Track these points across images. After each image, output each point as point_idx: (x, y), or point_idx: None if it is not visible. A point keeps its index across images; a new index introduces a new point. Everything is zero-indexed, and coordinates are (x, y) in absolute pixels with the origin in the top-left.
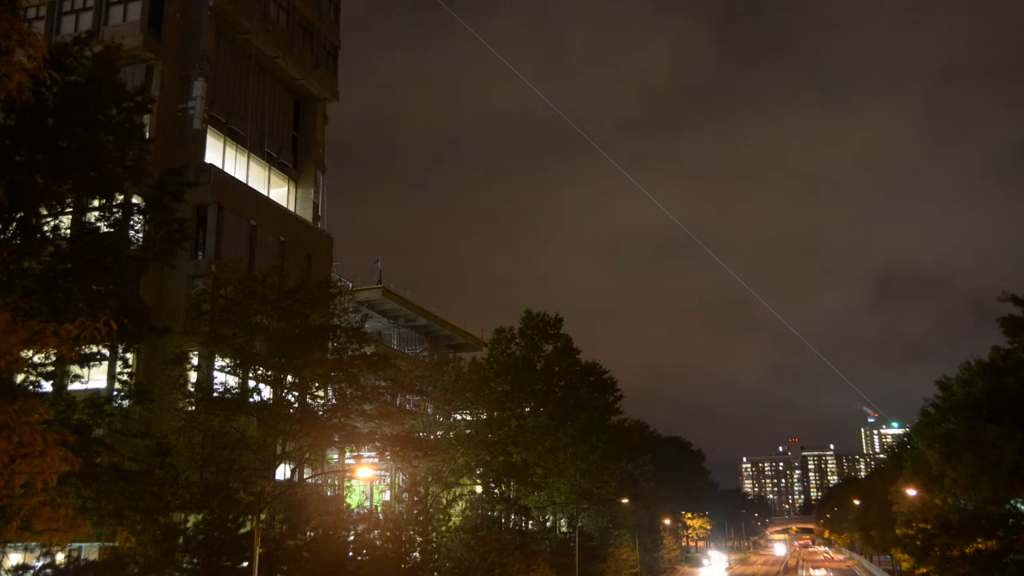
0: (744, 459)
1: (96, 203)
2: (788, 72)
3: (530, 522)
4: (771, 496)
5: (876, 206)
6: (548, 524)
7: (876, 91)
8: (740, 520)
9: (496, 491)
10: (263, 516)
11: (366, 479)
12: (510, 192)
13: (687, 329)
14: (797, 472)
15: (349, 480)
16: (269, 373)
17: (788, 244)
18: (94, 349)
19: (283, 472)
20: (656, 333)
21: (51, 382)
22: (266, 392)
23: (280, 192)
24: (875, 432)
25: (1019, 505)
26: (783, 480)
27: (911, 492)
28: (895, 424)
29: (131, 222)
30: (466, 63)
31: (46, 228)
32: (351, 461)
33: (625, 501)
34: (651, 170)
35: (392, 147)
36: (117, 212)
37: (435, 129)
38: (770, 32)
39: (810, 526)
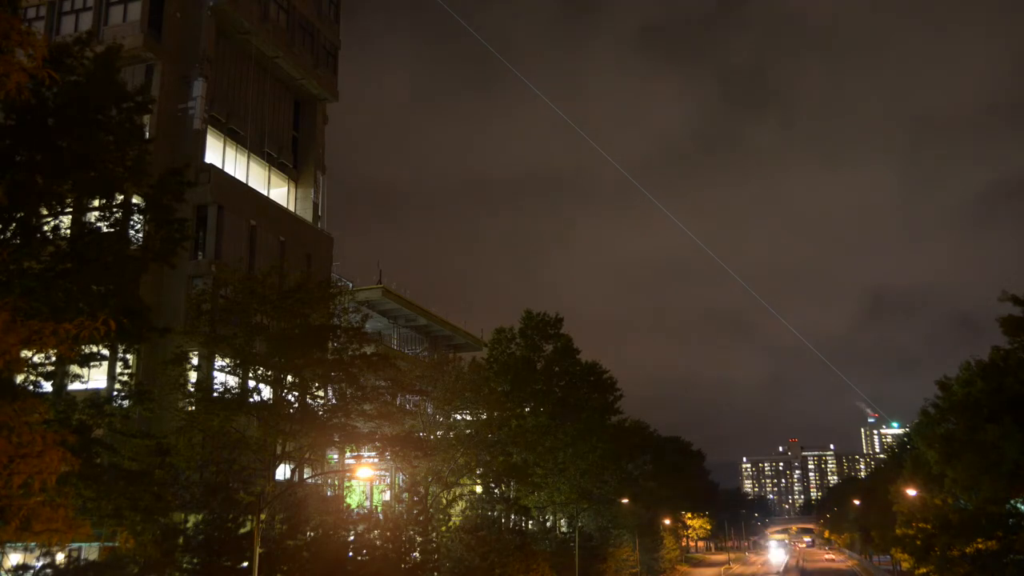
0: (744, 459)
1: (96, 203)
2: (786, 120)
3: (530, 522)
4: (771, 496)
5: (866, 236)
6: (548, 524)
7: (863, 136)
8: (740, 520)
9: (496, 491)
10: (263, 516)
11: (366, 479)
12: (524, 220)
13: (689, 338)
14: (797, 472)
15: (349, 480)
16: (269, 373)
17: (785, 267)
18: (94, 349)
19: (283, 472)
20: (659, 343)
21: (51, 382)
22: (266, 392)
23: (280, 192)
24: (875, 432)
25: (1019, 505)
26: (783, 480)
27: (911, 492)
28: (895, 424)
29: (131, 222)
30: (497, 106)
31: (46, 228)
32: (351, 461)
33: (625, 501)
34: (661, 201)
35: (415, 180)
36: (117, 212)
37: (457, 163)
38: (768, 86)
39: (810, 526)
